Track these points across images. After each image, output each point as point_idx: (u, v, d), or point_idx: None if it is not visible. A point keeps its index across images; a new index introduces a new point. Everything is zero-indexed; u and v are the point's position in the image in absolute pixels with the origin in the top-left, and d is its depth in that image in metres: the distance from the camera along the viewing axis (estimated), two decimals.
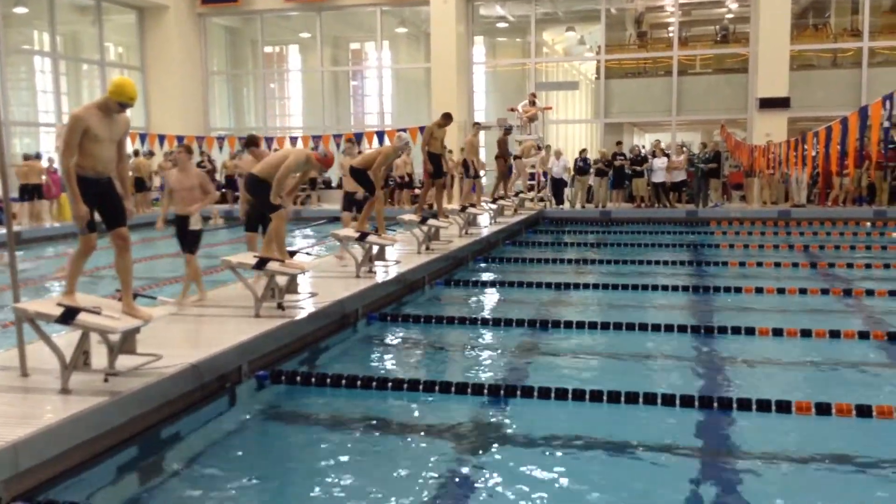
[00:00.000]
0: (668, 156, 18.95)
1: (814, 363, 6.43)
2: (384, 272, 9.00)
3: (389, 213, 11.91)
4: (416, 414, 5.33)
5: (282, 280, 6.96)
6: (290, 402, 5.57)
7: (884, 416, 4.98)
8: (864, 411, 5.01)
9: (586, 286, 10.02)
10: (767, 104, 20.30)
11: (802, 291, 9.11)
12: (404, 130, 21.61)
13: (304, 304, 7.02)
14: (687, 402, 5.23)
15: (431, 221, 11.25)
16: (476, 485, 4.22)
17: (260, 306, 6.61)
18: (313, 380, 5.82)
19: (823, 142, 12.45)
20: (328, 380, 5.77)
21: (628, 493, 4.11)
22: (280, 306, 6.75)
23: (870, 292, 9.00)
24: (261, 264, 6.81)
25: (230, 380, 5.50)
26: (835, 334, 7.03)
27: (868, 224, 16.10)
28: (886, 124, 10.91)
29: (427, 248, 10.77)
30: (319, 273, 8.73)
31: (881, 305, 8.55)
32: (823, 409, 5.06)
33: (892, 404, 5.04)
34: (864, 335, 7.10)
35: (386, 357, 6.98)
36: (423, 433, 4.97)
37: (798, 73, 20.91)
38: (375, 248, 9.28)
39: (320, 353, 6.76)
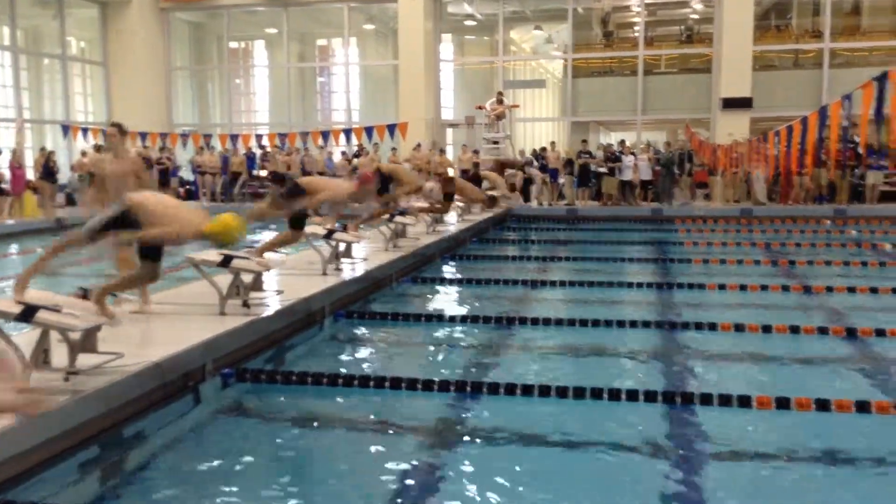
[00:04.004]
0: (633, 154, 19.14)
1: (774, 358, 6.53)
2: (351, 269, 8.97)
3: (357, 210, 11.85)
4: (383, 411, 5.32)
5: (247, 277, 6.90)
6: (255, 401, 5.52)
7: (842, 409, 5.08)
8: (823, 405, 5.11)
9: (553, 283, 10.08)
10: (730, 104, 20.60)
11: (763, 288, 9.25)
12: (371, 128, 21.62)
13: (270, 302, 6.96)
14: (650, 397, 5.29)
15: (399, 219, 11.24)
16: (442, 481, 4.23)
17: (225, 304, 6.55)
18: (279, 378, 5.78)
19: (784, 141, 12.66)
20: (294, 377, 5.73)
21: (592, 487, 4.15)
22: (245, 304, 6.68)
23: (829, 289, 9.17)
24: (225, 262, 6.74)
25: (194, 378, 5.44)
26: (795, 330, 7.16)
27: (828, 222, 16.42)
28: (845, 123, 11.13)
29: (394, 246, 10.76)
30: (286, 271, 8.67)
31: (840, 301, 8.72)
32: (783, 404, 5.15)
33: (851, 398, 5.15)
34: (823, 331, 7.23)
35: (353, 354, 6.97)
36: (390, 431, 4.97)
37: (761, 74, 21.25)
38: (342, 246, 9.24)
39: (286, 351, 6.71)
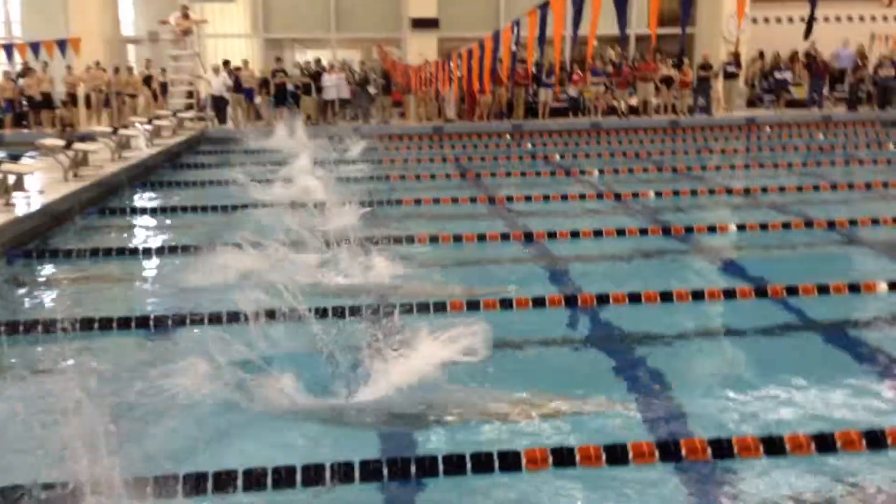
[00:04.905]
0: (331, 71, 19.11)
1: (464, 263, 7.09)
2: (25, 204, 8.07)
3: (29, 137, 10.57)
4: (75, 354, 4.93)
5: None
6: None
7: (522, 306, 5.72)
8: (507, 303, 5.71)
9: (255, 205, 9.89)
10: (419, 24, 21.27)
11: (454, 200, 9.91)
12: (38, 44, 19.17)
13: None
14: (355, 312, 5.50)
15: (78, 145, 10.24)
16: (134, 419, 4.04)
17: None
18: None
19: (466, 62, 13.42)
20: None
21: None
22: None
23: (510, 198, 10.08)
24: None
25: None
26: (482, 238, 7.83)
27: (507, 136, 17.84)
28: (514, 48, 12.08)
29: (75, 175, 9.82)
30: None
31: (520, 209, 9.62)
32: (473, 305, 5.67)
33: (529, 296, 5.79)
34: (505, 236, 7.98)
35: (35, 297, 6.34)
36: (86, 373, 4.63)
37: None
38: (12, 178, 8.24)
39: None
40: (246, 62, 19.94)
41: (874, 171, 12.28)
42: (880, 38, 21.18)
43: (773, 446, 3.62)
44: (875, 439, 3.67)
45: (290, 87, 18.91)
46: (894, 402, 4.26)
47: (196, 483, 3.33)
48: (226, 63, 19.43)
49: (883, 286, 6.02)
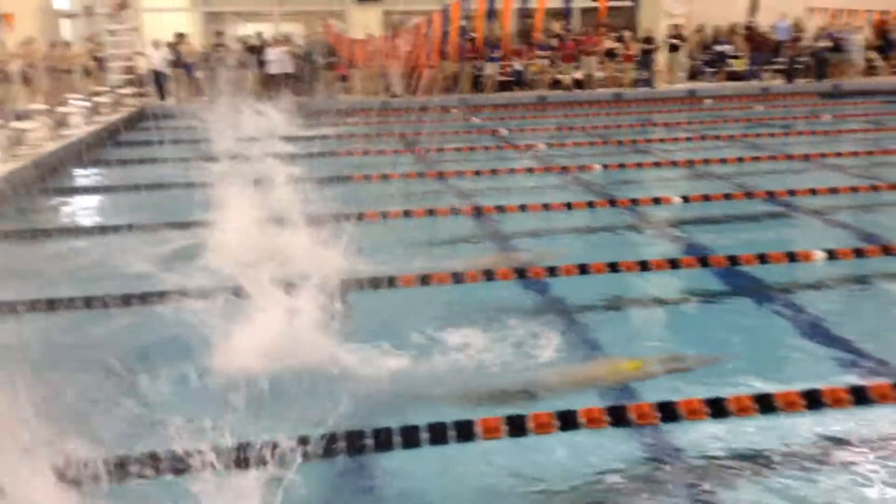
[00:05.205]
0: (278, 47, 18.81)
1: (415, 242, 7.09)
2: None
3: None
4: (10, 336, 4.83)
5: None
6: None
7: (474, 279, 5.78)
8: (458, 278, 5.77)
9: (197, 183, 9.71)
10: None
11: (403, 176, 9.90)
12: None
13: None
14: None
15: (14, 124, 9.92)
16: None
17: None
18: None
19: (414, 37, 13.36)
20: None
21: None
22: None
23: (459, 173, 10.11)
24: None
25: None
26: (431, 213, 7.84)
27: (454, 110, 17.82)
28: (464, 23, 12.05)
29: (13, 156, 9.52)
30: None
31: (468, 184, 9.66)
32: (426, 280, 5.71)
33: (480, 269, 5.85)
34: (455, 211, 8.01)
35: None
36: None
37: None
38: None
39: None
40: (184, 36, 19.45)
41: (811, 141, 12.63)
42: (817, 11, 21.67)
43: (716, 408, 3.75)
44: (814, 399, 3.84)
45: (231, 61, 18.54)
46: (830, 362, 4.44)
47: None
48: (177, 38, 18.93)
49: (820, 254, 6.23)
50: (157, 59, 18.43)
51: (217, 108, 16.50)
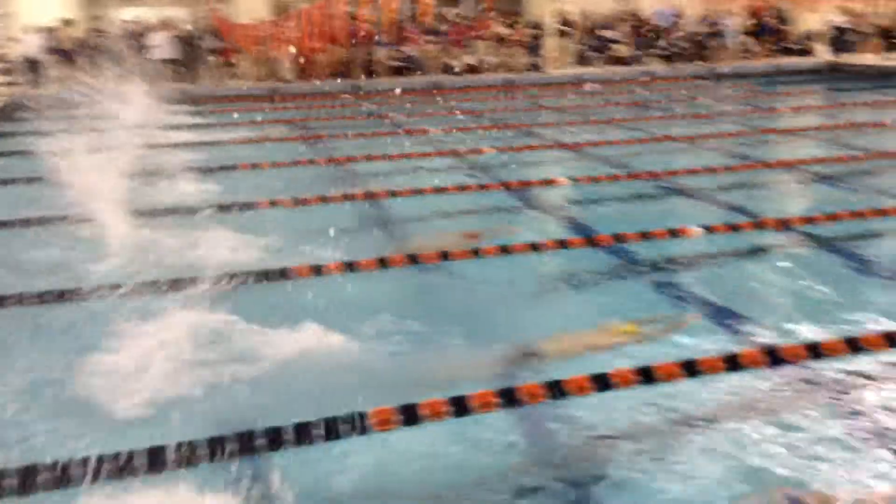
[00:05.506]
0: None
1: (311, 232, 7.00)
2: None
3: None
4: None
5: None
6: None
7: (369, 267, 5.78)
8: (350, 267, 5.76)
9: (76, 175, 9.26)
10: None
11: (295, 164, 9.75)
12: None
13: None
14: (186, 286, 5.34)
15: None
16: None
17: None
18: None
19: (301, 21, 13.16)
20: None
21: None
22: None
23: (351, 158, 10.03)
24: None
25: None
26: (324, 199, 7.77)
27: (346, 96, 17.64)
28: (350, 8, 11.98)
29: None
30: None
31: (362, 169, 9.60)
32: (351, 267, 5.71)
33: (374, 257, 5.85)
34: (349, 197, 7.96)
35: None
36: None
37: None
38: None
39: None
40: (71, 21, 18.50)
41: (689, 124, 13.17)
42: None
43: (601, 382, 3.90)
44: (692, 370, 4.04)
45: (112, 47, 17.74)
46: (711, 333, 4.68)
47: None
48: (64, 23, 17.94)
49: (698, 231, 6.54)
50: (32, 45, 17.44)
51: (97, 96, 15.81)
